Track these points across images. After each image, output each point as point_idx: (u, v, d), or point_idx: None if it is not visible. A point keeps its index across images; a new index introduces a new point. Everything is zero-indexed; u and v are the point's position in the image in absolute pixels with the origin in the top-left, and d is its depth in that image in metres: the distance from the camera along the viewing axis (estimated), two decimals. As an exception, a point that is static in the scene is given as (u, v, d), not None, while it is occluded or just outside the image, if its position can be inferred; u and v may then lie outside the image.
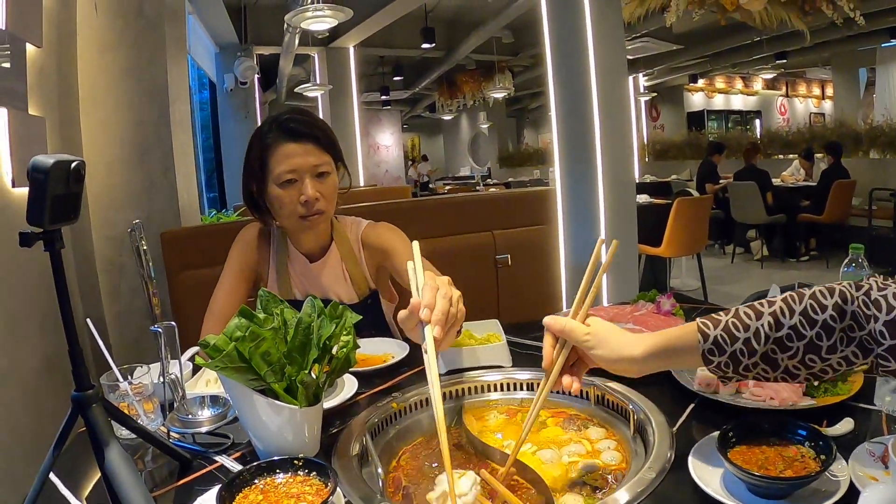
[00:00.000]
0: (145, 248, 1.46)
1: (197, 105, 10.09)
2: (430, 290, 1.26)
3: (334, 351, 1.33)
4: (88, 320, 1.50)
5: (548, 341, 1.24)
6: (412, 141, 23.80)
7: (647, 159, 14.50)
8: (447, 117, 19.53)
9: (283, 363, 1.25)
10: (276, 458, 1.17)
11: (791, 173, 10.23)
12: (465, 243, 2.24)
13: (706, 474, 1.13)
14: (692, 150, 13.67)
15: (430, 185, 16.11)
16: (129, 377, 1.49)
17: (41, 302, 2.31)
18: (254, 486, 1.12)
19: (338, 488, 1.11)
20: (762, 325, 1.09)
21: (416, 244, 1.39)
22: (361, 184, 9.12)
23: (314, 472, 1.14)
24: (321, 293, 2.14)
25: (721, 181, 9.71)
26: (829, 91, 17.37)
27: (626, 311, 2.01)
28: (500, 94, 14.17)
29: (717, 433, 1.17)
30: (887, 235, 7.79)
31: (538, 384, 1.63)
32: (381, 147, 17.79)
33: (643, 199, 7.08)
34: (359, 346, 1.41)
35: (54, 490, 1.21)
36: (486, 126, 18.01)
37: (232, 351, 1.20)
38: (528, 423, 1.23)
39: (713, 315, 1.15)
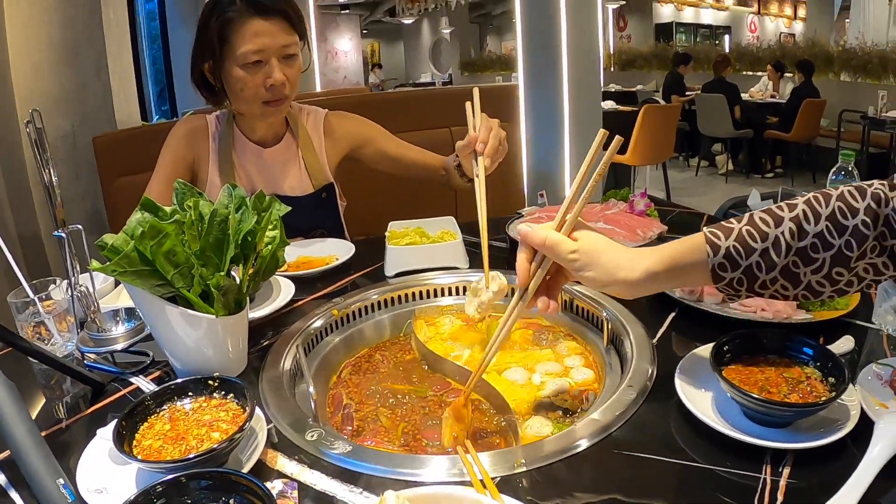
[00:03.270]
0: (46, 144, 1.21)
1: (146, 15, 9.61)
2: (485, 129, 1.51)
3: (259, 249, 1.13)
4: None
5: (523, 255, 1.00)
6: (372, 47, 23.15)
7: (612, 69, 14.28)
8: (408, 21, 19.01)
9: (194, 264, 1.04)
10: (187, 379, 0.98)
11: (760, 90, 10.09)
12: (422, 139, 2.07)
13: (695, 396, 0.97)
14: (659, 61, 13.44)
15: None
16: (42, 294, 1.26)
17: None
18: (160, 414, 0.93)
19: (257, 412, 0.93)
20: (782, 234, 0.89)
21: (476, 90, 1.54)
22: (318, 89, 8.81)
23: (231, 394, 0.95)
24: (271, 186, 1.97)
25: (688, 93, 9.54)
26: (802, 13, 17.14)
27: (595, 210, 1.83)
28: (462, -2, 13.78)
29: (704, 347, 1.03)
30: (855, 159, 7.71)
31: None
32: (339, 53, 17.25)
33: (609, 105, 6.92)
34: (287, 243, 1.22)
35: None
36: (447, 32, 17.60)
37: (132, 251, 0.99)
38: (494, 347, 1.04)
39: (723, 223, 0.94)
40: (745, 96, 9.45)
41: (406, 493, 0.69)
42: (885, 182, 0.88)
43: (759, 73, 10.74)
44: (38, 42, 2.75)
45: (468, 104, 1.53)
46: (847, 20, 12.71)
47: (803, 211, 0.89)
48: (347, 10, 17.17)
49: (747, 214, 0.93)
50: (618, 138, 0.92)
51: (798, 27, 17.63)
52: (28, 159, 2.67)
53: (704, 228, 0.94)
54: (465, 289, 1.51)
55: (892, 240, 0.86)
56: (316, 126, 2.05)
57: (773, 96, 9.65)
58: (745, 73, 11.53)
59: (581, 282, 0.97)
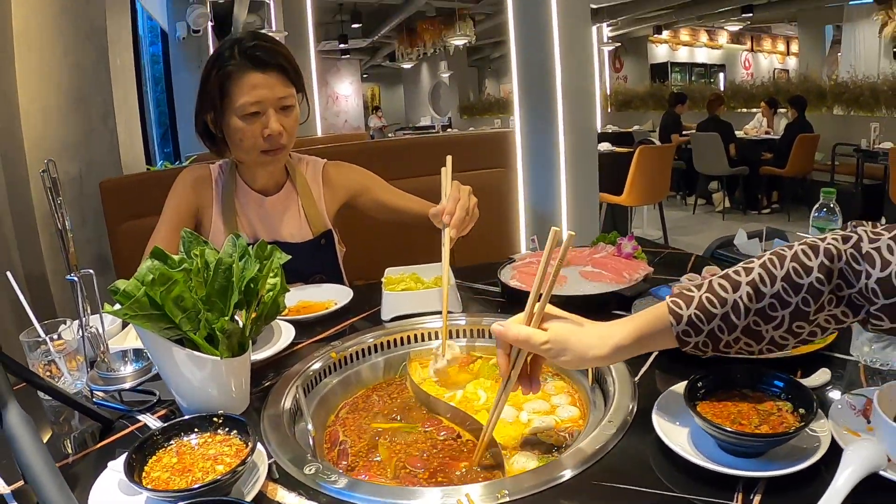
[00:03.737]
0: (60, 191, 1.29)
1: (150, 58, 9.72)
2: (453, 200, 1.61)
3: (261, 295, 1.20)
4: (9, 273, 1.34)
5: (501, 350, 1.08)
6: (372, 91, 23.41)
7: (609, 110, 14.40)
8: (407, 66, 19.21)
9: (200, 309, 1.10)
10: (193, 416, 1.04)
11: (754, 126, 10.20)
12: (420, 186, 2.12)
13: (672, 430, 1.02)
14: (655, 101, 13.59)
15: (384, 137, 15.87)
16: (54, 334, 1.33)
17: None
18: (168, 448, 1.00)
19: (259, 446, 0.99)
20: (740, 298, 0.96)
21: (449, 158, 1.63)
22: (319, 133, 8.92)
23: (234, 430, 1.02)
24: (272, 233, 2.03)
25: (685, 133, 9.65)
26: (795, 48, 17.31)
27: (584, 254, 1.89)
28: (460, 42, 13.95)
29: (681, 384, 1.07)
30: (849, 191, 7.79)
31: (489, 332, 1.53)
32: (339, 97, 17.48)
33: (605, 147, 7.00)
34: (288, 289, 1.28)
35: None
36: (446, 75, 17.78)
37: (142, 297, 1.06)
38: (491, 423, 1.11)
39: (684, 291, 1.02)
40: (739, 133, 9.55)
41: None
42: (837, 236, 0.95)
43: (754, 110, 10.86)
44: (48, 88, 2.83)
45: (443, 169, 1.64)
46: (839, 53, 12.88)
47: (759, 274, 0.96)
48: (348, 55, 17.41)
49: (706, 281, 1.01)
50: (570, 234, 1.02)
51: (791, 62, 17.81)
52: (36, 203, 2.74)
53: (667, 298, 1.02)
54: (459, 332, 1.57)
55: (848, 290, 0.93)
56: (315, 176, 2.12)
57: (767, 132, 9.74)
58: (739, 110, 11.67)
59: (557, 364, 1.07)
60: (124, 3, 3.37)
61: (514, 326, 1.04)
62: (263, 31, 9.14)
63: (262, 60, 1.82)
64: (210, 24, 9.94)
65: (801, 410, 0.99)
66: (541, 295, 1.03)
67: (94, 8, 2.93)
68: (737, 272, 0.99)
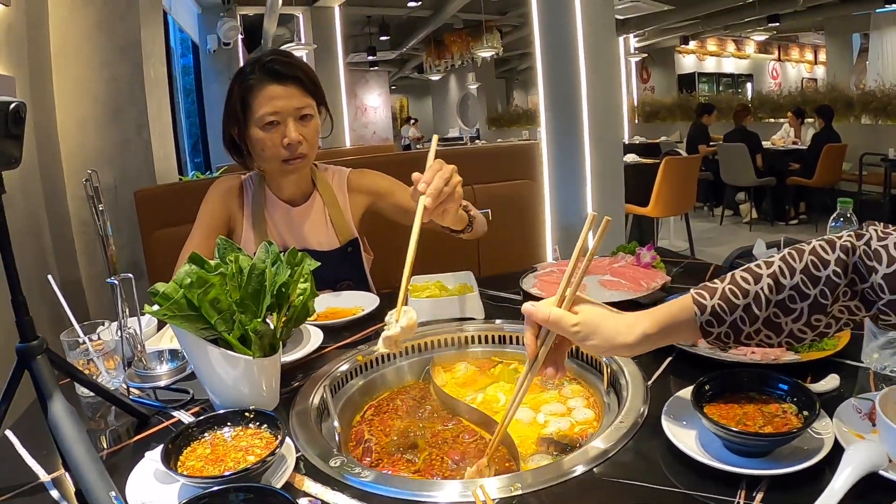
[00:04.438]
0: (101, 199, 1.37)
1: (181, 69, 9.86)
2: (431, 170, 1.49)
3: (291, 299, 1.26)
4: (50, 277, 1.42)
5: (529, 331, 1.11)
6: (400, 102, 23.59)
7: (636, 121, 14.37)
8: (435, 78, 19.33)
9: (234, 311, 1.18)
10: (227, 410, 1.12)
11: (781, 137, 10.13)
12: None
13: (680, 431, 1.07)
14: (682, 112, 13.52)
15: (416, 148, 15.93)
16: (92, 335, 1.41)
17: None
18: (202, 440, 1.07)
19: (287, 441, 1.06)
20: (762, 289, 1.01)
21: (434, 137, 1.62)
22: (347, 145, 9.01)
23: (265, 425, 1.09)
24: (300, 242, 2.09)
25: (712, 143, 9.62)
26: (822, 56, 17.19)
27: (603, 263, 1.95)
28: (488, 54, 14.01)
29: (692, 387, 1.11)
30: (877, 201, 7.73)
31: (511, 338, 1.58)
32: (368, 108, 17.62)
33: (631, 158, 7.00)
34: (317, 294, 1.35)
35: (10, 448, 1.18)
36: (474, 87, 17.87)
37: (181, 298, 1.13)
38: (513, 408, 1.13)
39: (708, 284, 1.06)
40: (766, 144, 9.48)
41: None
42: (852, 233, 1.00)
43: (782, 120, 10.76)
44: (85, 101, 2.93)
45: (430, 145, 1.60)
46: (866, 62, 12.77)
47: (779, 267, 1.01)
48: (376, 67, 17.54)
49: (729, 274, 1.06)
50: (606, 219, 1.03)
51: (819, 71, 17.67)
52: (72, 212, 2.83)
53: (692, 290, 1.06)
54: (480, 338, 1.63)
55: (861, 285, 0.98)
56: (340, 185, 2.18)
57: (794, 143, 9.67)
58: (767, 120, 11.57)
59: (583, 349, 1.10)
60: (157, 17, 3.45)
61: (546, 307, 1.07)
62: (293, 43, 9.27)
63: (279, 73, 1.90)
64: (240, 36, 10.09)
65: (805, 413, 1.03)
66: (573, 280, 1.06)
67: (128, 23, 3.02)
68: (758, 266, 1.03)
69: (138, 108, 3.09)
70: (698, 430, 1.07)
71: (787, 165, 8.87)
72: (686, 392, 1.15)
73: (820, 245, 1.01)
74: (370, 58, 15.70)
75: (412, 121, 19.59)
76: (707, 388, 1.10)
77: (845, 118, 9.54)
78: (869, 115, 9.50)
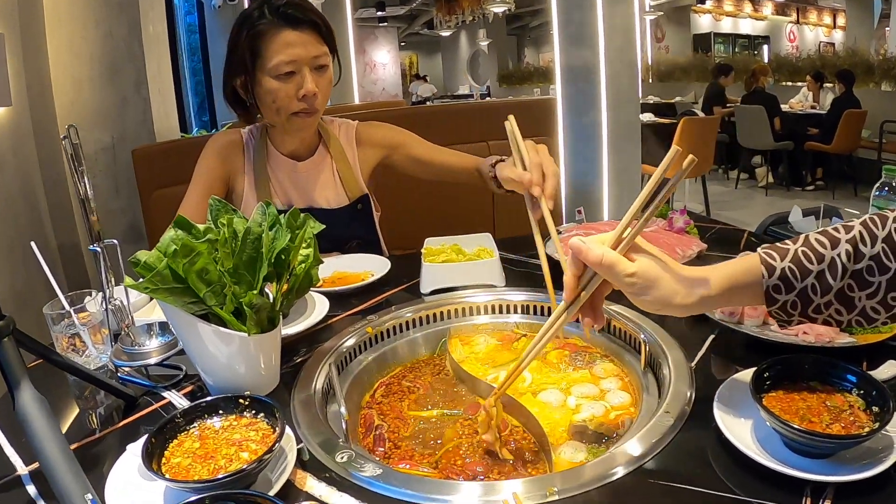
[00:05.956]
0: (82, 158, 1.23)
1: (185, 28, 9.71)
2: (536, 169, 1.39)
3: (292, 267, 1.12)
4: (33, 244, 1.28)
5: (571, 272, 0.95)
6: (410, 59, 23.30)
7: (650, 80, 14.14)
8: (445, 34, 19.05)
9: (227, 282, 1.03)
10: (218, 396, 0.98)
11: (799, 101, 9.93)
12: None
13: (733, 423, 0.94)
14: (697, 72, 13.28)
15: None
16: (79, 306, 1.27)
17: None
18: (189, 432, 0.94)
19: (287, 431, 0.92)
20: (838, 255, 0.87)
21: (511, 118, 1.44)
22: (356, 101, 8.85)
23: (262, 414, 0.95)
24: (306, 199, 1.97)
25: (729, 105, 9.41)
26: (841, 21, 16.87)
27: (633, 227, 1.80)
28: (499, 9, 13.74)
29: (744, 372, 1.00)
30: (897, 169, 7.55)
31: (534, 307, 1.46)
32: (377, 65, 17.40)
33: (647, 117, 6.85)
34: (321, 261, 1.21)
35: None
36: (485, 44, 17.59)
37: (164, 269, 0.99)
38: (529, 357, 1.01)
39: (778, 245, 0.92)
40: (784, 107, 9.29)
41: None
42: None
43: (799, 84, 10.56)
44: (79, 59, 2.83)
45: (509, 130, 1.44)
46: (887, 28, 12.50)
47: (860, 233, 0.88)
48: (385, 23, 17.32)
49: (802, 236, 0.92)
50: (692, 157, 0.86)
51: (838, 36, 17.38)
52: (68, 174, 2.72)
53: (759, 249, 0.92)
54: (501, 307, 1.50)
55: None
56: (348, 138, 2.05)
57: (813, 107, 9.46)
58: (784, 83, 11.36)
59: (633, 302, 0.93)
60: (155, -29, 3.32)
61: (598, 247, 0.90)
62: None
63: (294, 18, 1.75)
64: (246, -9, 9.89)
65: (875, 408, 0.90)
66: (636, 221, 0.90)
67: (124, -23, 2.90)
68: (836, 229, 0.90)
69: (136, 66, 3.00)
70: (754, 422, 0.94)
71: (805, 130, 8.68)
72: (740, 377, 1.03)
73: None
74: (379, 13, 15.47)
75: (423, 77, 19.35)
76: (766, 375, 0.96)
77: (865, 84, 9.31)
78: (890, 82, 9.27)
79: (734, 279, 0.91)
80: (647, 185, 0.88)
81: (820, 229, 0.91)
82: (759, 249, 0.92)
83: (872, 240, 0.86)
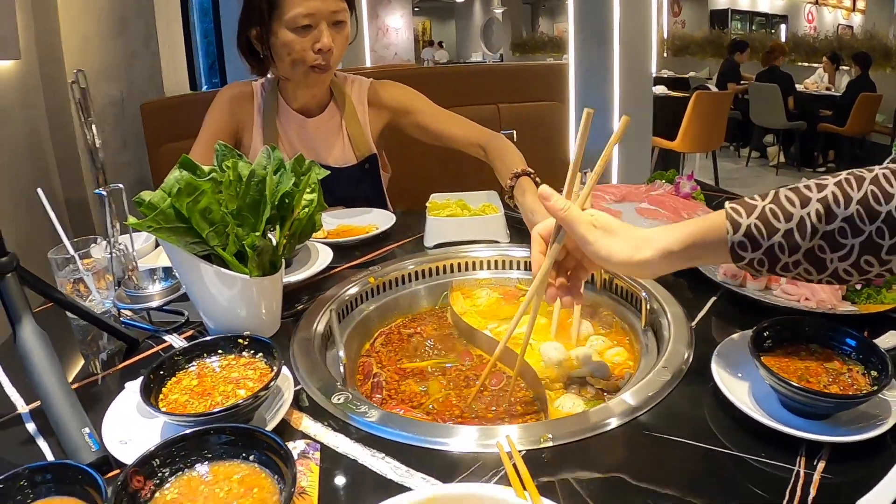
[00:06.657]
0: (90, 105, 1.22)
1: (197, -13, 9.62)
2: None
3: (296, 211, 1.12)
4: (40, 191, 1.27)
5: (536, 247, 0.98)
6: (423, 24, 23.08)
7: (665, 54, 14.01)
8: (460, 0, 18.92)
9: (229, 223, 1.03)
10: (217, 336, 0.98)
11: (814, 81, 9.84)
12: (468, 114, 2.02)
13: (731, 381, 0.94)
14: (713, 48, 13.15)
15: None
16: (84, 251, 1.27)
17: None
18: (188, 370, 0.94)
19: (286, 371, 0.93)
20: (808, 215, 0.82)
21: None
22: (368, 65, 8.79)
23: (260, 353, 0.95)
24: (313, 156, 1.95)
25: (743, 82, 9.32)
26: (861, 4, 16.64)
27: (640, 190, 1.80)
28: (516, -23, 13.63)
29: (743, 333, 0.99)
30: (910, 150, 7.50)
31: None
32: (389, 29, 17.22)
33: (660, 90, 6.79)
34: (325, 207, 1.21)
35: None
36: (499, 11, 17.40)
37: (168, 208, 0.99)
38: (520, 324, 1.03)
39: (746, 199, 0.88)
40: (799, 87, 9.21)
41: (444, 492, 0.69)
42: None
43: (815, 65, 10.45)
44: (88, 13, 2.79)
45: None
46: (908, 11, 12.35)
47: (833, 193, 0.82)
48: (399, -13, 17.11)
49: (772, 191, 0.87)
50: (625, 118, 0.89)
51: (857, 19, 17.13)
52: (76, 125, 2.71)
53: (727, 204, 0.88)
54: (504, 263, 1.50)
55: None
56: (360, 96, 2.03)
57: (828, 89, 9.39)
58: (800, 63, 11.24)
59: (595, 261, 0.93)
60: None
61: (562, 200, 0.93)
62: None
63: None
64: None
65: (874, 373, 0.89)
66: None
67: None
68: (808, 187, 0.85)
69: (146, 20, 3.00)
70: (751, 382, 0.94)
71: (819, 111, 8.60)
72: (739, 336, 1.03)
73: (884, 174, 0.81)
74: (394, -24, 15.30)
75: (439, 43, 19.18)
76: (766, 335, 0.96)
77: (882, 69, 9.20)
78: (906, 67, 9.18)
79: (698, 235, 0.89)
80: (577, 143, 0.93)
81: (791, 185, 0.87)
82: (726, 204, 0.89)
83: (846, 201, 0.81)
